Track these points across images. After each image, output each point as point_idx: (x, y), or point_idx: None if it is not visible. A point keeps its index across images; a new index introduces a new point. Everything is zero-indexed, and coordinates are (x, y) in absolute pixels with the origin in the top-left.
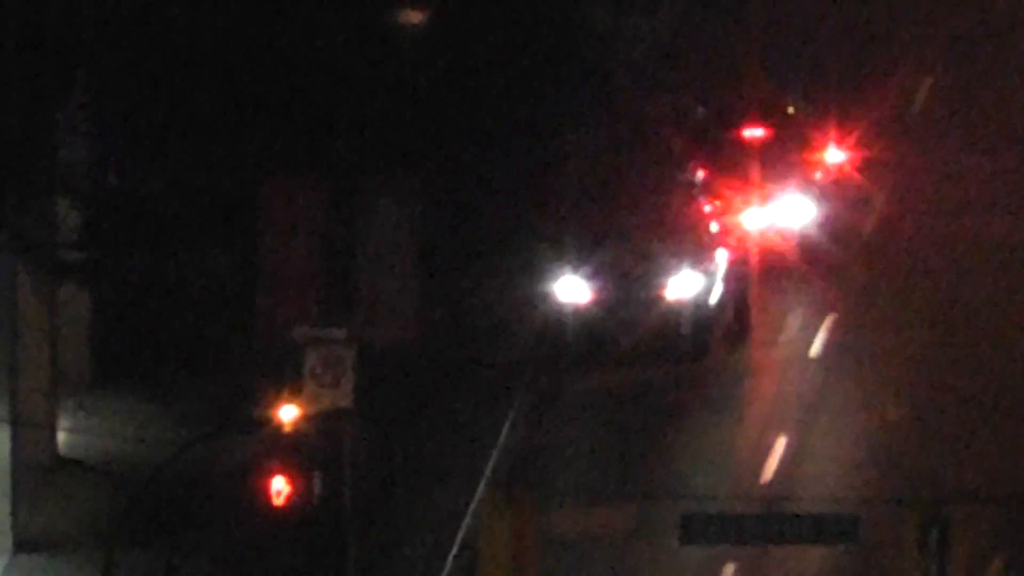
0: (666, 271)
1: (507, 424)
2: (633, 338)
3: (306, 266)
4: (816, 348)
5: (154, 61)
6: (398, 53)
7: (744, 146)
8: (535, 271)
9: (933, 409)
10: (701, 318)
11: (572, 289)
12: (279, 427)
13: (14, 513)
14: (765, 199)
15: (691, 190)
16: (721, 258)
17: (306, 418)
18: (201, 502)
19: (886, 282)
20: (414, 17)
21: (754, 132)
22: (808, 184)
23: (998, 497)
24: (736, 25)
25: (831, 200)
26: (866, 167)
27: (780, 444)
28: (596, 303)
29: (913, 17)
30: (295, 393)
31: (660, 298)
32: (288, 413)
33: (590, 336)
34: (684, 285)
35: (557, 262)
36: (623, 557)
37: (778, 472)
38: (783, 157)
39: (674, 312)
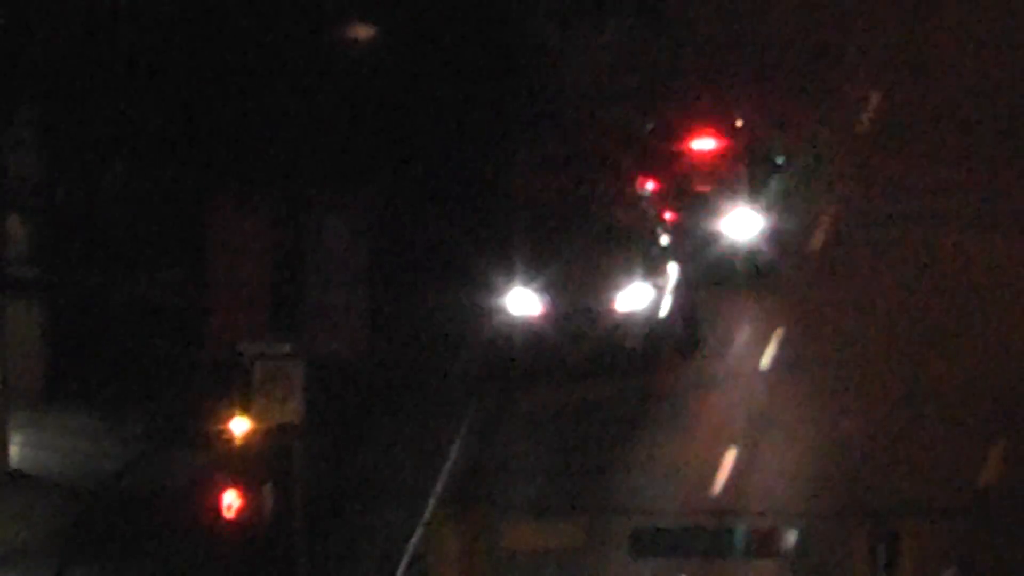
0: (616, 284)
1: (457, 439)
2: (583, 352)
3: (255, 281)
4: (766, 361)
5: (102, 76)
6: (345, 68)
7: (693, 159)
8: (484, 285)
9: (882, 422)
10: (651, 331)
11: (522, 303)
12: (229, 441)
13: None
14: (714, 212)
15: (640, 203)
16: (671, 271)
17: (256, 432)
18: (152, 516)
19: (835, 295)
20: (361, 32)
21: (703, 144)
22: (757, 197)
23: (947, 510)
24: (684, 38)
25: (780, 213)
26: (816, 180)
27: (730, 457)
28: (546, 317)
29: (862, 29)
30: (244, 407)
31: (610, 311)
32: (238, 427)
33: (540, 350)
34: (634, 298)
35: (506, 276)
36: (574, 571)
37: (728, 485)
38: (732, 169)
39: (624, 325)
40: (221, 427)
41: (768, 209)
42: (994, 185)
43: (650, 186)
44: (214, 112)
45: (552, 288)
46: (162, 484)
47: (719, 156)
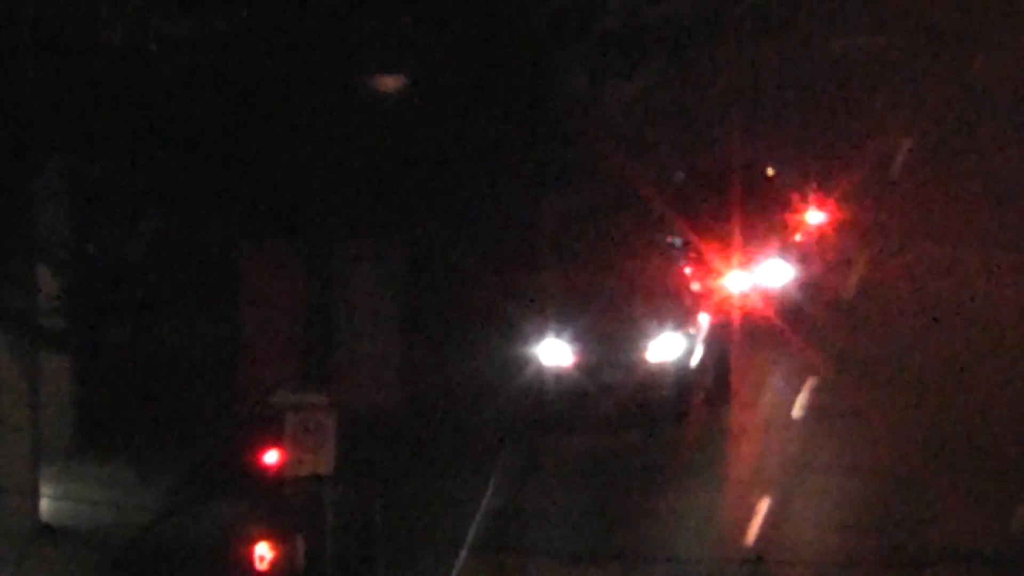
0: (648, 334)
1: (489, 488)
2: (615, 401)
3: (287, 331)
4: (797, 410)
5: (133, 127)
6: (377, 117)
7: (724, 209)
8: (517, 335)
9: (915, 469)
10: (683, 381)
11: (554, 352)
12: (261, 493)
13: None
14: (746, 262)
15: (672, 253)
16: (702, 321)
17: (288, 484)
18: (184, 568)
19: (866, 343)
20: (393, 81)
21: (734, 195)
22: (788, 246)
23: (980, 557)
24: (715, 88)
25: (811, 262)
26: (845, 229)
27: (763, 506)
28: (578, 366)
29: (891, 81)
30: (277, 458)
31: (642, 361)
32: (270, 479)
33: (572, 399)
34: (666, 348)
35: (538, 325)
36: None
37: (761, 534)
38: (763, 219)
39: (656, 375)
40: (253, 478)
41: (800, 259)
42: None
43: (682, 236)
44: (245, 162)
45: (584, 338)
46: (194, 536)
47: (751, 206)
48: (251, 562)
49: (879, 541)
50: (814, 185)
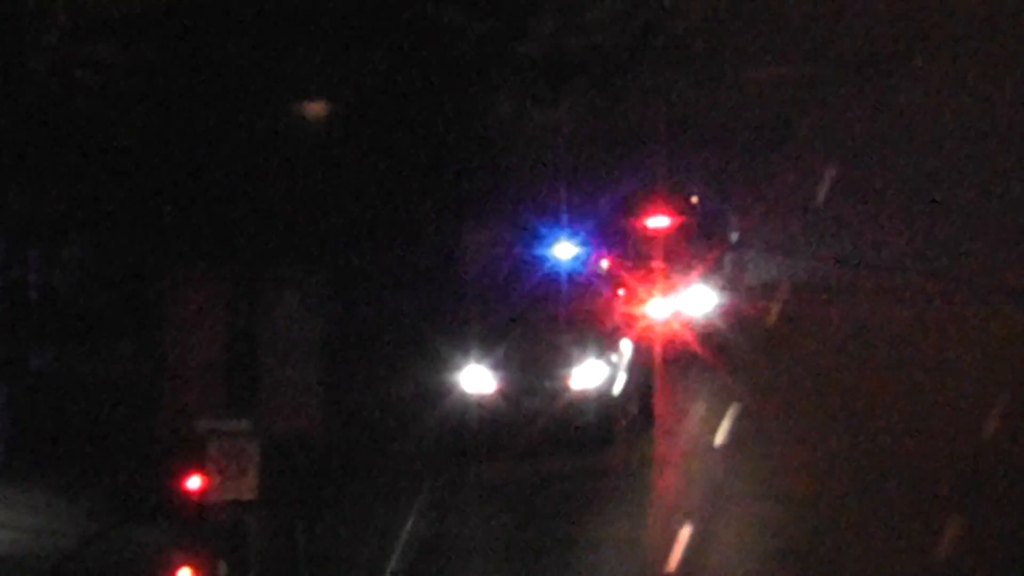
0: (571, 361)
1: (411, 515)
2: (538, 428)
3: (210, 357)
4: (720, 437)
5: (57, 153)
6: (299, 145)
7: (648, 236)
8: (440, 362)
9: (838, 496)
10: (606, 408)
11: (476, 379)
12: (184, 518)
13: None
14: (669, 289)
15: (594, 279)
16: (625, 348)
17: (211, 509)
18: None
19: (789, 369)
20: (317, 108)
21: (658, 222)
22: (711, 272)
23: None
24: (639, 115)
25: (734, 288)
26: (769, 255)
27: (686, 533)
28: (500, 393)
29: (816, 107)
30: (199, 484)
31: (565, 388)
32: (193, 505)
33: (494, 426)
34: (589, 375)
35: (460, 353)
36: None
37: (683, 561)
38: (687, 247)
39: (579, 402)
40: (176, 503)
41: (722, 286)
42: (951, 257)
43: (605, 263)
44: (168, 189)
45: (506, 365)
46: (117, 561)
47: (673, 233)
48: None
49: (802, 569)
50: (737, 212)
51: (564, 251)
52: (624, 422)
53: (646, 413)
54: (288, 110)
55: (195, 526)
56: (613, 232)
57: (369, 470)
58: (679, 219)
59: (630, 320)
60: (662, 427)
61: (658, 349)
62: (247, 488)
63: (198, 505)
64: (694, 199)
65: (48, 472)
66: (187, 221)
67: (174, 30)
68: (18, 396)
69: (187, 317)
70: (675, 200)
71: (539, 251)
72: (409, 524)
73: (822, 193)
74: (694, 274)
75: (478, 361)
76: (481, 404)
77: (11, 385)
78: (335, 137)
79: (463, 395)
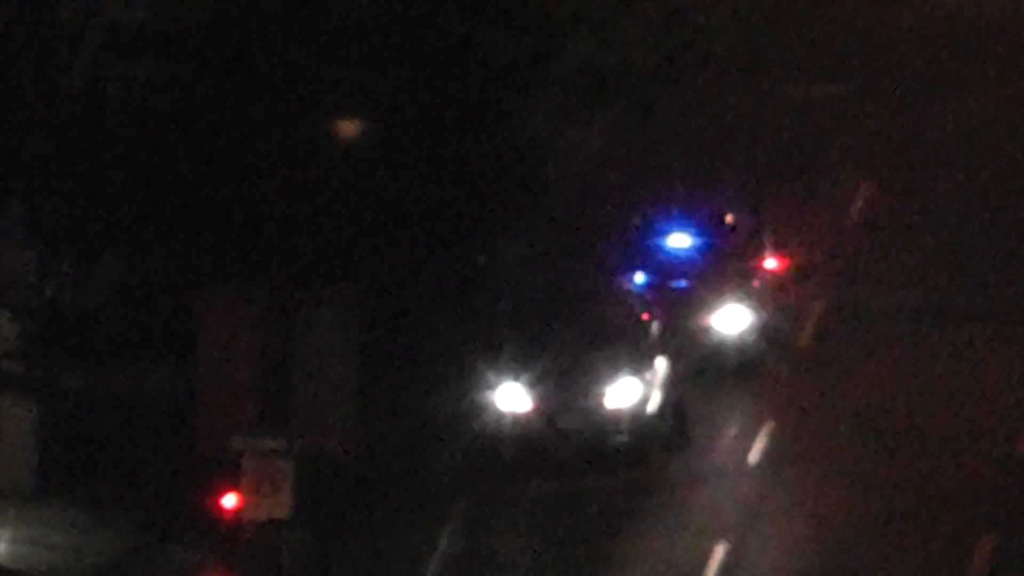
0: (605, 379)
1: (445, 533)
2: (572, 446)
3: (245, 376)
4: (754, 456)
5: (92, 171)
6: (334, 163)
7: (681, 255)
8: (475, 379)
9: (871, 517)
10: (640, 426)
11: (511, 398)
12: (219, 537)
13: None
14: (703, 308)
15: (629, 299)
16: (660, 366)
17: (245, 528)
18: None
19: (823, 390)
20: (351, 127)
21: (691, 240)
22: (745, 292)
23: None
24: (673, 132)
25: (768, 308)
26: (803, 275)
27: (718, 552)
28: (535, 411)
29: (852, 125)
30: (234, 503)
31: (598, 407)
32: (228, 523)
33: (529, 444)
34: (622, 394)
35: (496, 371)
36: None
37: None
38: (720, 265)
39: (613, 420)
40: (210, 522)
41: (757, 304)
42: (984, 280)
43: (639, 281)
44: (203, 208)
45: (541, 383)
46: None
47: (708, 252)
48: None
49: None
50: (774, 231)
51: (600, 268)
52: (658, 440)
53: (680, 431)
54: (323, 128)
55: (230, 545)
56: (647, 250)
57: (403, 487)
58: (714, 237)
59: (665, 339)
60: (696, 445)
61: (693, 368)
62: (281, 507)
63: (233, 524)
64: (729, 217)
65: (83, 491)
66: (221, 239)
67: (209, 49)
68: (51, 415)
69: (221, 336)
70: (709, 219)
71: (575, 268)
72: (443, 542)
73: (858, 212)
74: (728, 293)
75: (513, 379)
76: (516, 422)
77: (44, 404)
78: (370, 154)
79: (498, 413)
